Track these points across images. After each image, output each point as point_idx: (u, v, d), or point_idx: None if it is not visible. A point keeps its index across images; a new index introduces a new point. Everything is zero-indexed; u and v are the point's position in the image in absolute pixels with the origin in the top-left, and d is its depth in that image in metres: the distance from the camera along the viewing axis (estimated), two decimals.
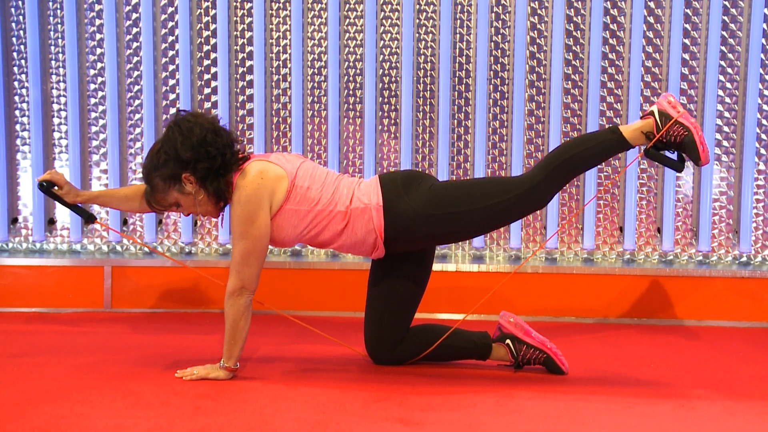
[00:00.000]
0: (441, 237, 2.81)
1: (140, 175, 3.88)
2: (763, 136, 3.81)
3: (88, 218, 2.97)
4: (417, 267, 2.88)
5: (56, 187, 2.90)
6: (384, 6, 3.86)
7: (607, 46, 3.81)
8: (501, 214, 2.75)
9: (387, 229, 2.73)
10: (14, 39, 3.90)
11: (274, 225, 2.72)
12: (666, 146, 2.72)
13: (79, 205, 2.96)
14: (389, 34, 3.87)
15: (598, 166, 3.82)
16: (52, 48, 3.90)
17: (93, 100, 3.91)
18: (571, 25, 3.81)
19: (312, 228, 2.74)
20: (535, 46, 3.83)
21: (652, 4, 3.78)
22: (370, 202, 2.73)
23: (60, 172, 2.92)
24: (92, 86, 3.90)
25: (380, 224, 2.72)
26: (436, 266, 3.71)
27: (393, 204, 2.73)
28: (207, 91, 3.89)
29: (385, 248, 2.78)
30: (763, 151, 3.81)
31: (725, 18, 3.76)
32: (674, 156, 2.76)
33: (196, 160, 2.65)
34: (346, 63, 3.88)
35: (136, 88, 3.90)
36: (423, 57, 3.87)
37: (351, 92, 3.89)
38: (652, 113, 2.71)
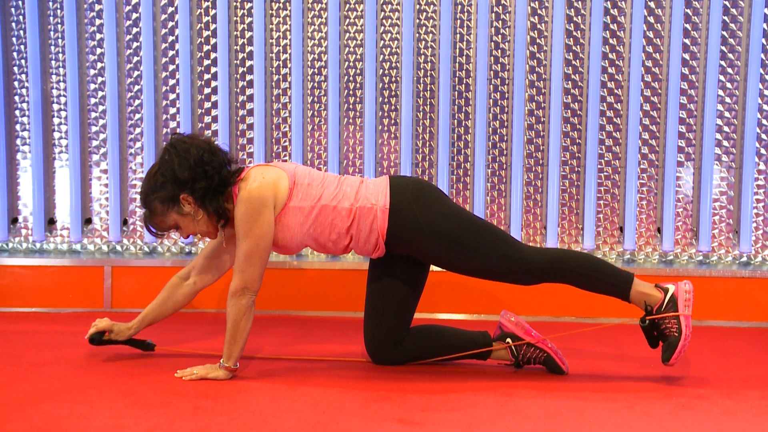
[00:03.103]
0: (433, 258, 2.82)
1: (140, 175, 3.90)
2: (763, 136, 3.81)
3: (148, 347, 3.00)
4: (415, 266, 2.89)
5: (106, 333, 2.92)
6: (384, 6, 3.86)
7: (607, 46, 3.81)
8: (492, 272, 2.78)
9: (389, 233, 2.74)
10: (14, 39, 3.90)
11: (280, 226, 2.72)
12: (654, 326, 2.71)
13: (134, 338, 2.98)
14: (389, 34, 3.87)
15: (598, 166, 3.83)
16: (52, 48, 3.90)
17: (93, 100, 3.91)
18: (571, 25, 3.81)
19: (318, 225, 2.75)
20: (535, 46, 3.83)
21: (652, 4, 3.78)
22: (377, 203, 2.74)
23: (103, 319, 2.92)
24: (92, 86, 3.91)
25: (383, 226, 2.73)
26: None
27: (399, 210, 2.74)
28: (207, 91, 3.89)
29: (386, 249, 2.79)
30: (763, 151, 3.81)
31: (725, 18, 3.76)
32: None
33: (194, 179, 2.66)
34: (346, 63, 3.88)
35: (136, 88, 3.90)
36: (423, 57, 3.87)
37: (351, 92, 3.89)
38: (666, 290, 2.71)
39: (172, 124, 3.89)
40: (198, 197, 2.68)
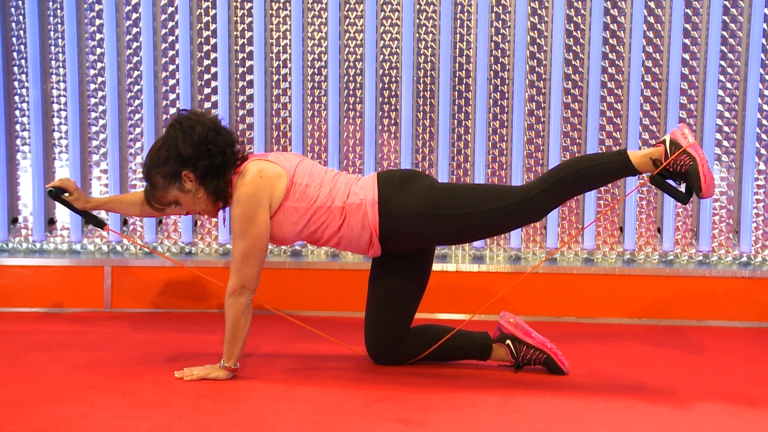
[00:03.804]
0: (434, 237, 2.79)
1: (140, 175, 3.90)
2: (763, 136, 3.81)
3: (98, 224, 2.98)
4: (416, 267, 2.88)
5: (66, 194, 2.92)
6: (384, 6, 3.86)
7: (607, 46, 3.81)
8: (494, 221, 2.72)
9: (382, 226, 2.73)
10: (14, 39, 3.90)
11: (274, 223, 2.73)
12: (672, 176, 2.67)
13: (89, 212, 2.98)
14: (389, 34, 3.87)
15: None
16: (52, 48, 3.90)
17: (93, 100, 3.91)
18: (571, 25, 3.81)
19: (311, 225, 2.75)
20: (535, 46, 3.83)
21: (652, 4, 3.79)
22: (365, 198, 2.73)
23: (71, 179, 2.93)
24: (92, 86, 3.91)
25: (375, 220, 2.72)
26: (436, 266, 3.72)
27: (388, 201, 2.73)
28: (207, 91, 3.89)
29: (381, 246, 2.78)
30: (763, 151, 3.81)
31: (725, 18, 3.76)
32: (681, 187, 2.69)
33: (197, 157, 2.66)
34: (346, 63, 3.88)
35: (136, 88, 3.90)
36: (423, 57, 3.87)
37: (351, 92, 3.89)
38: (663, 142, 2.67)
39: None
40: (199, 175, 2.68)
